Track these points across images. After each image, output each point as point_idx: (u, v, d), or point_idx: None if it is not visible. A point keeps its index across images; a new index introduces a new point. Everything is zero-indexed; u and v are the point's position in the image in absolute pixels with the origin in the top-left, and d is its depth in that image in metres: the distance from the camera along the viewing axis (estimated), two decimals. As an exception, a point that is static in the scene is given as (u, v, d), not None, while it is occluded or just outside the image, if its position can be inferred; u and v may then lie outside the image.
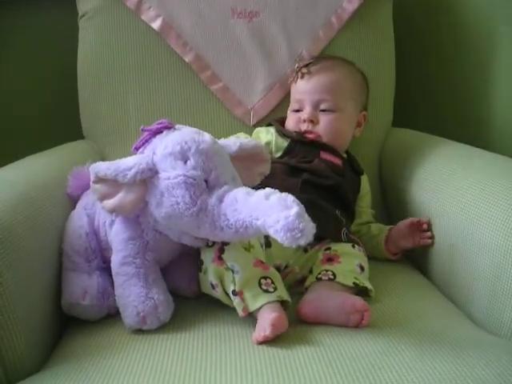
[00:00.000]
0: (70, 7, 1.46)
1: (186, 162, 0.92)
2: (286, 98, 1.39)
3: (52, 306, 0.99)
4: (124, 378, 0.80)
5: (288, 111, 1.31)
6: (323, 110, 1.25)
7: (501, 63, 1.39)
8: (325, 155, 1.22)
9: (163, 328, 0.95)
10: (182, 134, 0.95)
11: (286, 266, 1.10)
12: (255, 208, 0.84)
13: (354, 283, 1.02)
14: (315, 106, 1.25)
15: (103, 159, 1.38)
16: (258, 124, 1.40)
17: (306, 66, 1.29)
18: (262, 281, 0.94)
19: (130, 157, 0.95)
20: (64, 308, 1.00)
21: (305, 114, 1.25)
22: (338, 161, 1.23)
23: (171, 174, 0.91)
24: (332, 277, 1.02)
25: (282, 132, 1.28)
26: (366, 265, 1.08)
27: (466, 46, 1.48)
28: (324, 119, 1.24)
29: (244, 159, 1.02)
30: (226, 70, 1.41)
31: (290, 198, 0.83)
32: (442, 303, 1.07)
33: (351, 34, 1.44)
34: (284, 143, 1.25)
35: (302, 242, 0.80)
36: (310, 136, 1.24)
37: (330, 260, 1.07)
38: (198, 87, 1.41)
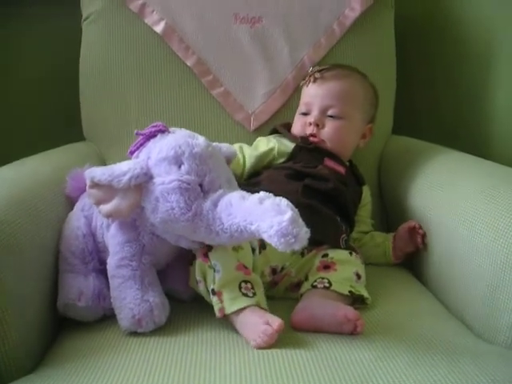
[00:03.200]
0: (74, 9, 1.46)
1: (180, 167, 0.92)
2: (286, 104, 1.41)
3: (47, 307, 0.99)
4: (118, 380, 0.80)
5: (296, 114, 1.32)
6: (330, 116, 1.25)
7: (501, 70, 1.39)
8: (329, 162, 1.22)
9: (158, 331, 0.95)
10: (176, 138, 0.95)
11: (282, 269, 1.09)
12: (249, 212, 0.84)
13: (349, 291, 1.02)
14: (323, 111, 1.26)
15: (103, 161, 1.39)
16: (259, 129, 1.40)
17: (320, 71, 1.29)
18: (243, 284, 0.94)
19: (125, 162, 0.95)
20: (60, 309, 1.00)
21: (311, 118, 1.26)
22: (341, 169, 1.23)
23: (166, 179, 0.91)
24: (328, 285, 1.02)
25: (287, 136, 1.28)
26: (362, 273, 1.08)
27: (467, 53, 1.48)
28: (330, 125, 1.25)
29: None
30: (227, 74, 1.42)
31: (283, 202, 0.83)
32: (438, 310, 1.06)
33: (353, 41, 1.45)
34: (288, 149, 1.25)
35: (296, 247, 0.80)
36: (314, 140, 1.24)
37: (326, 267, 1.07)
38: (200, 91, 1.42)
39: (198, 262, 0.96)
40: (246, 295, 0.93)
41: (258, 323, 0.89)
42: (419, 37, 1.62)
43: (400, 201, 1.29)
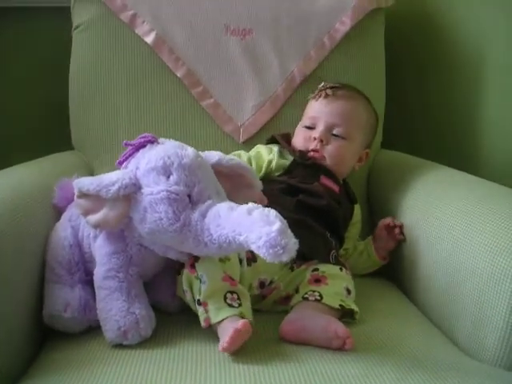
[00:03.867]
0: (67, 18, 1.46)
1: (168, 177, 0.92)
2: (276, 116, 1.41)
3: (33, 317, 0.98)
4: (102, 393, 0.80)
5: (298, 126, 1.32)
6: (335, 135, 1.26)
7: (492, 81, 1.40)
8: (325, 180, 1.22)
9: (144, 343, 0.94)
10: (165, 149, 0.95)
11: (271, 282, 1.09)
12: (238, 223, 0.84)
13: (340, 305, 1.02)
14: (328, 129, 1.26)
15: (91, 171, 1.38)
16: (248, 141, 1.40)
17: (332, 88, 1.29)
18: (228, 295, 0.94)
19: (114, 172, 0.95)
20: (45, 319, 0.99)
21: (317, 133, 1.26)
22: (335, 188, 1.24)
23: (154, 190, 0.91)
24: (319, 298, 1.02)
25: (286, 149, 1.28)
26: (352, 288, 1.08)
27: (458, 64, 1.49)
28: (334, 143, 1.25)
29: (232, 178, 1.02)
30: (217, 86, 1.42)
31: (272, 213, 0.83)
32: (426, 327, 1.06)
33: (343, 55, 1.46)
34: (286, 163, 1.25)
35: (285, 259, 0.79)
36: (315, 155, 1.24)
37: (317, 281, 1.07)
38: (189, 102, 1.42)
39: (185, 272, 0.96)
40: (231, 305, 0.93)
41: (229, 329, 0.89)
42: (408, 47, 1.63)
43: (388, 215, 1.29)
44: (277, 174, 1.25)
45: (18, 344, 0.92)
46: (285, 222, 0.82)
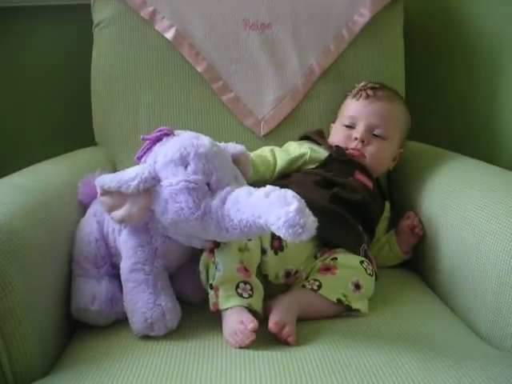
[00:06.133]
0: (86, 16, 1.48)
1: (186, 168, 0.94)
2: (296, 110, 1.42)
3: (61, 311, 1.00)
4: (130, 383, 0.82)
5: (336, 125, 1.34)
6: (375, 135, 1.27)
7: (509, 71, 1.40)
8: (359, 176, 1.24)
9: (170, 334, 0.96)
10: (181, 140, 0.97)
11: (296, 272, 1.10)
12: (256, 207, 0.85)
13: (337, 299, 1.01)
14: (369, 129, 1.27)
15: (115, 166, 1.40)
16: (268, 134, 1.41)
17: (372, 88, 1.31)
18: (241, 285, 0.96)
19: (132, 167, 0.97)
20: (73, 313, 1.01)
21: (358, 134, 1.27)
22: (369, 184, 1.25)
23: (173, 181, 0.93)
24: (316, 288, 1.01)
25: (323, 145, 1.29)
26: (366, 284, 1.06)
27: (477, 59, 1.49)
28: (375, 144, 1.27)
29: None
30: (237, 80, 1.43)
31: (289, 193, 0.84)
32: (447, 316, 1.07)
33: (362, 47, 1.46)
34: (320, 156, 1.26)
35: (304, 237, 0.80)
36: (355, 153, 1.26)
37: (326, 270, 1.06)
38: (210, 97, 1.43)
39: (204, 254, 0.99)
40: (240, 295, 0.95)
41: (233, 323, 0.92)
42: (428, 39, 1.62)
43: (408, 205, 1.29)
44: (311, 166, 1.26)
45: (49, 337, 0.94)
46: (302, 201, 0.83)
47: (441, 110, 1.61)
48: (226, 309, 0.95)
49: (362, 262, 1.09)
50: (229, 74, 1.43)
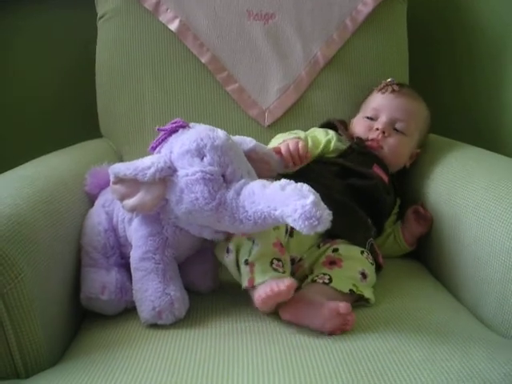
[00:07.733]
0: (89, 8, 1.48)
1: (202, 159, 0.95)
2: (300, 100, 1.42)
3: (69, 301, 1.01)
4: (139, 372, 0.82)
5: (358, 117, 1.34)
6: (396, 130, 1.28)
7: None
8: (377, 169, 1.24)
9: (178, 324, 0.97)
10: (197, 132, 0.98)
11: (300, 259, 1.11)
12: (272, 199, 0.87)
13: (350, 290, 1.01)
14: (391, 122, 1.28)
15: (120, 158, 1.41)
16: (273, 125, 1.42)
17: (398, 85, 1.33)
18: (274, 261, 0.97)
19: (147, 157, 0.97)
20: (83, 302, 1.02)
21: (379, 124, 1.28)
22: (385, 178, 1.25)
23: (189, 171, 0.94)
24: (327, 281, 1.02)
25: (343, 135, 1.30)
26: (370, 272, 1.07)
27: (479, 50, 1.49)
28: (395, 137, 1.28)
29: (257, 164, 1.04)
30: (241, 71, 1.43)
31: (305, 187, 0.85)
32: (451, 303, 1.08)
33: (365, 37, 1.46)
34: (341, 146, 1.27)
35: (320, 229, 0.82)
36: (373, 144, 1.27)
37: (331, 263, 1.06)
38: (214, 88, 1.43)
39: (237, 236, 1.00)
40: (276, 270, 0.96)
41: (268, 283, 0.93)
42: (430, 32, 1.62)
43: (413, 194, 1.30)
44: (332, 155, 1.26)
45: (58, 326, 0.96)
46: (317, 194, 0.84)
47: (442, 107, 1.61)
48: (261, 283, 0.95)
49: (362, 252, 1.10)
50: (233, 64, 1.43)
